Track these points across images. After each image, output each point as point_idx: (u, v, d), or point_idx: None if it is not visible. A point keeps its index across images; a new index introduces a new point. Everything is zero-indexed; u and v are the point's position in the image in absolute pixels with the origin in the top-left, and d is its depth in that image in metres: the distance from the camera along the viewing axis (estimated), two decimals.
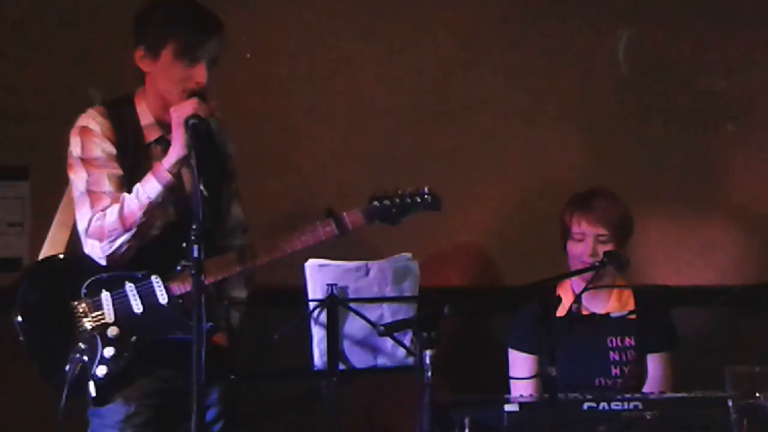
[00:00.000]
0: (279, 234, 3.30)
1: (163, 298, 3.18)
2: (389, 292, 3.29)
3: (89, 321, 3.18)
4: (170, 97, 3.18)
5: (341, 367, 3.26)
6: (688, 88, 4.20)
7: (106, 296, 3.19)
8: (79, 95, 4.05)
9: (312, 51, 4.22)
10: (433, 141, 4.21)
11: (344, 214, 3.25)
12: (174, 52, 3.16)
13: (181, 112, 3.10)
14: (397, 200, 3.29)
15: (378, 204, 3.29)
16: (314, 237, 3.23)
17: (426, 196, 3.32)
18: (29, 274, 3.29)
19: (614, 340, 3.62)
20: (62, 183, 3.31)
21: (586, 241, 3.61)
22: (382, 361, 3.32)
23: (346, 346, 3.29)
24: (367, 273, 3.28)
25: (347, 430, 3.40)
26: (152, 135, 3.25)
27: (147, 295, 3.19)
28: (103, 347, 3.16)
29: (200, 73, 3.16)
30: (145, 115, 3.26)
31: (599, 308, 3.64)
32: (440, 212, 3.37)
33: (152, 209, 3.14)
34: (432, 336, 3.05)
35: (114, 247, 3.16)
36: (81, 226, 3.20)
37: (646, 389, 3.57)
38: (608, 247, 3.56)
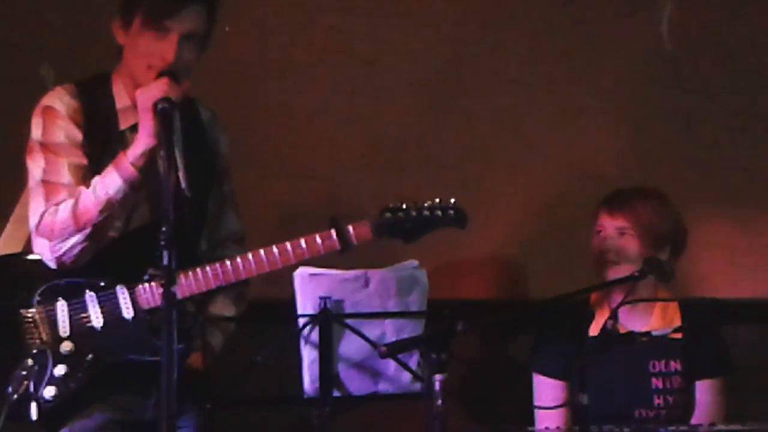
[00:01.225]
0: (273, 246, 3.30)
1: (128, 311, 3.19)
2: (393, 306, 3.29)
3: (40, 333, 3.19)
4: (137, 73, 3.19)
5: (336, 393, 3.26)
6: (743, 73, 4.24)
7: (62, 306, 3.20)
8: (30, 73, 4.11)
9: (313, 34, 4.28)
10: (447, 137, 4.25)
11: (349, 226, 3.25)
12: (142, 21, 3.17)
13: (149, 95, 3.10)
14: (414, 213, 3.29)
15: (391, 216, 3.28)
16: (311, 250, 3.23)
17: (449, 211, 3.30)
18: None
19: (657, 363, 3.64)
20: (13, 172, 3.34)
21: (604, 236, 3.63)
22: (383, 386, 3.31)
23: (342, 369, 3.28)
24: (366, 284, 3.28)
25: None
26: (128, 120, 3.25)
27: (110, 308, 3.19)
28: (53, 365, 3.17)
29: (168, 49, 3.16)
30: (122, 97, 3.27)
31: (639, 326, 3.63)
32: None
33: (111, 207, 3.14)
34: (443, 358, 3.01)
35: (64, 248, 3.16)
36: (32, 221, 3.20)
37: (694, 421, 3.57)
38: (631, 244, 3.59)
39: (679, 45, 4.25)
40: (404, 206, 3.29)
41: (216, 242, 3.41)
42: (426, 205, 3.30)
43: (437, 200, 3.31)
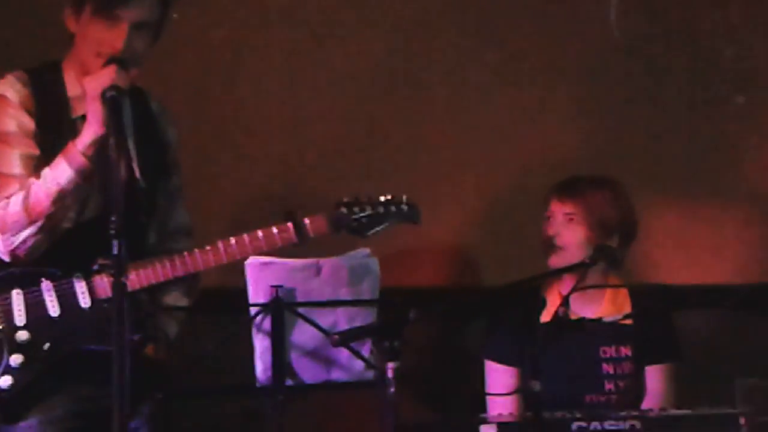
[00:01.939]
0: (226, 238, 3.28)
1: (85, 301, 3.16)
2: (345, 294, 3.30)
3: None
4: (87, 61, 3.17)
5: (289, 382, 3.26)
6: (691, 57, 4.26)
7: (17, 294, 3.17)
8: None
9: (265, 18, 4.25)
10: (401, 127, 4.24)
11: (306, 219, 3.25)
12: (92, 9, 3.15)
13: (97, 82, 3.08)
14: (369, 209, 3.29)
15: (346, 211, 3.29)
16: (269, 243, 3.22)
17: (402, 206, 3.31)
18: None
19: (608, 349, 3.65)
20: None
21: (553, 222, 3.65)
22: (336, 375, 3.32)
23: (295, 358, 3.29)
24: (318, 272, 3.28)
25: None
26: (80, 109, 3.20)
27: (66, 297, 3.17)
28: (9, 354, 3.15)
29: (117, 37, 3.13)
30: (74, 85, 3.24)
31: (590, 312, 3.65)
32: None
33: (63, 198, 3.11)
34: (395, 345, 3.03)
35: (17, 242, 3.14)
36: None
37: (644, 406, 3.60)
38: (579, 230, 3.62)
39: (628, 34, 4.23)
40: (359, 201, 3.30)
41: (166, 234, 3.38)
42: (380, 200, 3.30)
43: (391, 196, 3.31)
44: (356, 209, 3.28)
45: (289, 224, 3.22)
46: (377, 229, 3.30)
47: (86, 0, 3.16)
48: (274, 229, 3.22)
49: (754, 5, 4.22)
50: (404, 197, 3.31)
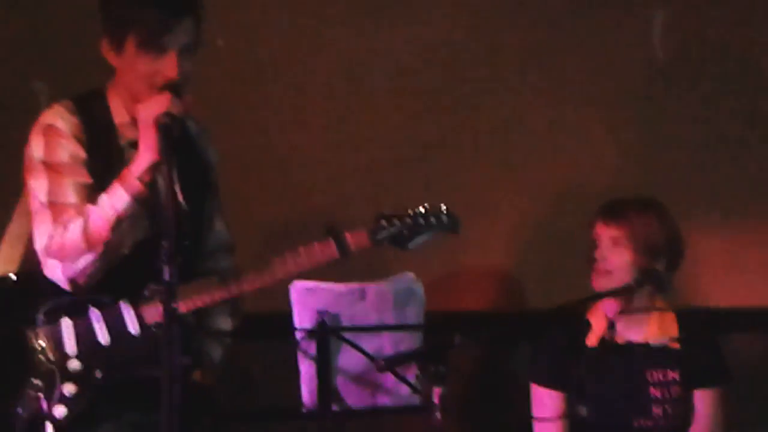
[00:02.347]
0: (269, 256, 3.28)
1: (134, 327, 3.16)
2: (390, 318, 3.30)
3: (47, 353, 3.17)
4: (140, 94, 3.14)
5: (335, 407, 3.26)
6: (738, 79, 4.23)
7: (66, 324, 3.17)
8: (20, 88, 4.12)
9: (302, 42, 4.27)
10: (442, 146, 4.26)
11: (347, 234, 3.23)
12: (137, 43, 3.13)
13: (150, 109, 3.08)
14: (409, 220, 3.27)
15: (387, 224, 3.26)
16: (311, 260, 3.21)
17: (442, 217, 3.29)
18: None
19: (655, 373, 3.62)
20: (9, 188, 3.33)
21: (600, 246, 3.63)
22: (382, 400, 3.32)
23: (341, 382, 3.29)
24: (363, 297, 3.29)
25: None
26: (128, 135, 3.21)
27: (115, 324, 3.17)
28: (62, 383, 3.15)
29: (170, 66, 3.12)
30: (120, 112, 3.24)
31: (636, 336, 3.64)
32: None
33: (121, 224, 3.11)
34: (441, 370, 3.07)
35: (78, 269, 3.12)
36: (40, 244, 3.17)
37: (693, 430, 3.59)
38: (625, 253, 3.59)
39: (672, 54, 4.24)
40: (398, 214, 3.27)
41: (207, 253, 3.37)
42: (420, 212, 3.28)
43: (429, 207, 3.28)
44: (396, 221, 3.27)
45: (331, 240, 3.21)
46: (419, 240, 3.28)
47: (127, 34, 3.13)
48: (316, 246, 3.21)
49: None
50: (443, 207, 3.29)
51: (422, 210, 3.29)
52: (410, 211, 3.28)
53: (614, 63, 4.25)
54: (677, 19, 4.22)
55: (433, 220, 3.29)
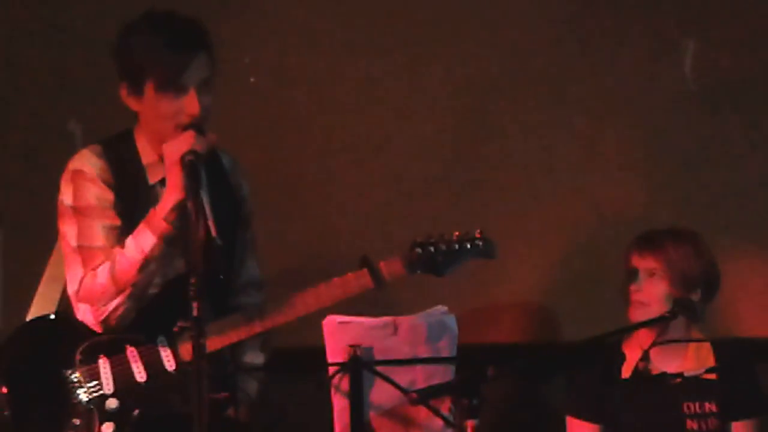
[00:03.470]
0: (298, 288, 3.28)
1: (170, 364, 3.19)
2: (423, 352, 3.28)
3: (85, 392, 3.18)
4: (165, 134, 3.16)
5: None
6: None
7: (103, 363, 3.19)
8: (58, 129, 4.17)
9: (332, 76, 4.29)
10: (472, 179, 4.26)
11: (381, 263, 3.25)
12: (156, 86, 3.14)
13: (175, 148, 3.09)
14: (444, 247, 3.28)
15: (421, 251, 3.27)
16: (345, 290, 3.23)
17: (477, 242, 3.29)
18: (15, 337, 3.28)
19: (692, 405, 3.61)
20: (40, 229, 3.37)
21: (636, 278, 3.62)
22: None
23: (374, 417, 3.28)
24: (395, 330, 3.27)
25: None
26: (156, 175, 3.25)
27: (151, 361, 3.19)
28: (101, 423, 3.17)
29: (192, 103, 3.15)
30: (147, 152, 3.27)
31: (672, 367, 3.62)
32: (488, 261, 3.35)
33: (149, 265, 3.13)
34: (475, 403, 3.02)
35: (108, 311, 3.17)
36: (71, 288, 3.21)
37: None
38: (662, 287, 3.58)
39: (702, 85, 4.22)
40: (433, 240, 3.27)
41: (237, 288, 3.39)
42: (454, 238, 3.28)
43: (464, 232, 3.29)
44: (431, 248, 3.26)
45: (365, 270, 3.23)
46: (454, 267, 3.29)
47: (145, 79, 3.15)
48: (350, 276, 3.23)
49: None
50: (478, 232, 3.29)
51: (456, 236, 3.29)
52: (445, 237, 3.29)
53: (647, 92, 4.24)
54: (708, 49, 4.21)
55: (468, 245, 3.29)
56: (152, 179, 3.25)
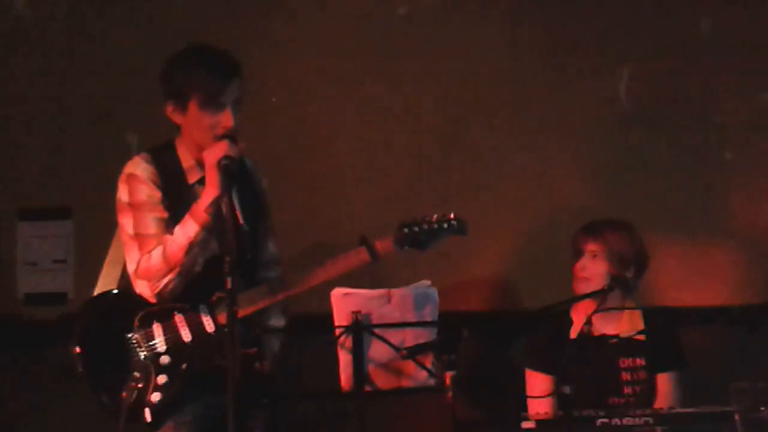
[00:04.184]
0: (311, 263, 3.26)
1: (210, 327, 3.17)
2: (411, 317, 3.27)
3: (143, 351, 3.18)
4: (204, 143, 3.17)
5: (367, 389, 3.25)
6: (689, 122, 4.17)
7: (156, 327, 3.18)
8: (118, 139, 4.12)
9: (337, 99, 4.24)
10: (450, 179, 4.20)
11: (376, 241, 3.23)
12: (199, 104, 3.15)
13: (213, 154, 3.10)
14: (425, 226, 3.25)
15: (407, 230, 3.24)
16: (348, 264, 3.21)
17: (453, 222, 3.27)
18: (85, 308, 3.27)
19: (625, 360, 3.61)
20: (103, 221, 3.34)
21: (582, 259, 3.62)
22: (405, 382, 3.30)
23: (372, 369, 3.27)
24: (389, 300, 3.27)
25: None
26: (194, 176, 3.24)
27: (195, 325, 3.18)
28: (156, 375, 3.16)
29: (227, 118, 3.15)
30: (186, 158, 3.25)
31: (610, 330, 3.62)
32: (457, 241, 3.32)
33: (192, 248, 3.13)
34: (452, 358, 3.09)
35: (161, 286, 3.16)
36: (130, 268, 3.21)
37: (656, 406, 3.54)
38: (603, 266, 3.58)
39: (634, 103, 4.19)
40: (416, 221, 3.25)
41: (261, 265, 3.35)
42: (433, 218, 3.25)
43: (440, 214, 3.26)
44: (416, 228, 3.24)
45: (363, 247, 3.21)
46: (434, 242, 3.26)
47: (189, 99, 3.14)
48: (352, 252, 3.22)
49: (733, 75, 4.19)
50: (452, 214, 3.26)
51: (435, 217, 3.26)
52: (426, 218, 3.26)
53: (591, 111, 4.20)
54: (639, 77, 4.17)
55: (445, 225, 3.26)
56: (190, 180, 3.24)
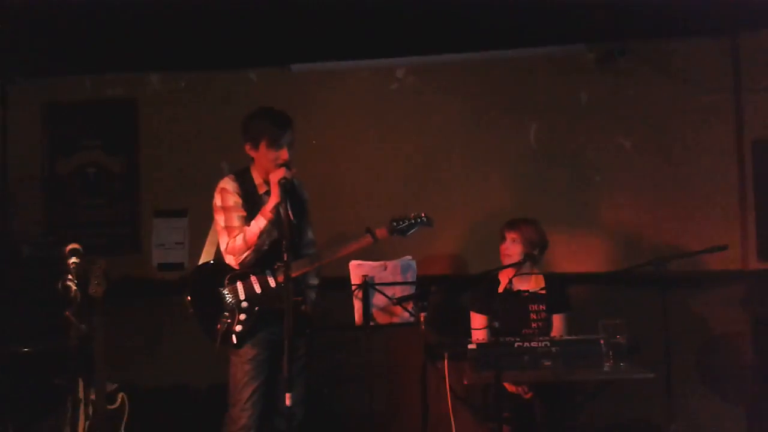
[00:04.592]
0: (335, 245, 3.23)
1: (273, 283, 3.14)
2: (399, 279, 3.32)
3: (230, 298, 3.14)
4: (269, 169, 3.15)
5: (371, 323, 3.27)
6: (570, 157, 4.11)
7: (239, 284, 3.15)
8: (216, 166, 4.09)
9: (351, 142, 4.18)
10: (428, 189, 4.17)
11: (376, 230, 3.20)
12: (267, 143, 3.13)
13: (275, 176, 3.10)
14: (406, 221, 3.24)
15: (396, 224, 3.23)
16: (359, 245, 3.17)
17: (423, 218, 3.26)
18: (194, 272, 3.22)
19: (533, 306, 3.59)
20: (207, 219, 3.32)
21: (506, 243, 3.59)
22: (395, 320, 3.33)
23: (374, 311, 3.29)
24: (385, 268, 3.31)
25: (376, 363, 3.34)
26: (262, 189, 3.20)
27: (263, 282, 3.14)
28: (238, 314, 3.13)
29: (284, 154, 3.14)
30: (257, 178, 3.21)
31: (523, 287, 3.61)
32: (428, 231, 3.32)
33: (262, 234, 3.12)
34: (424, 304, 3.18)
35: (242, 259, 3.15)
36: (222, 247, 3.19)
37: (552, 335, 3.53)
38: (519, 248, 3.54)
39: (539, 146, 4.14)
40: (401, 217, 3.23)
41: (303, 245, 3.30)
42: (411, 215, 3.23)
43: (415, 213, 3.26)
44: (400, 222, 3.22)
45: (368, 234, 3.19)
46: (412, 231, 3.22)
47: (260, 141, 3.11)
48: (361, 238, 3.18)
49: (600, 126, 4.08)
50: (423, 213, 3.24)
51: (413, 215, 3.26)
52: (407, 216, 3.25)
53: (511, 150, 4.14)
54: (543, 128, 4.12)
55: (419, 219, 3.25)
56: (260, 192, 3.21)
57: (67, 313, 2.82)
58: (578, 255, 4.07)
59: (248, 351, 3.14)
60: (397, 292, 3.29)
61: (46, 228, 4.27)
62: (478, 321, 3.63)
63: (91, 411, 3.20)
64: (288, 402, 2.73)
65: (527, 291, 3.58)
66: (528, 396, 3.40)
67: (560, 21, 3.69)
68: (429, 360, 3.18)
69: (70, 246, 2.93)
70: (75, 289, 2.84)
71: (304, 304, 3.23)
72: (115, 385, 3.24)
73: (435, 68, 4.17)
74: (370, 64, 4.17)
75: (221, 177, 3.27)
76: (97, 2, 3.39)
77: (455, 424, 3.32)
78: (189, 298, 3.14)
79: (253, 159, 3.22)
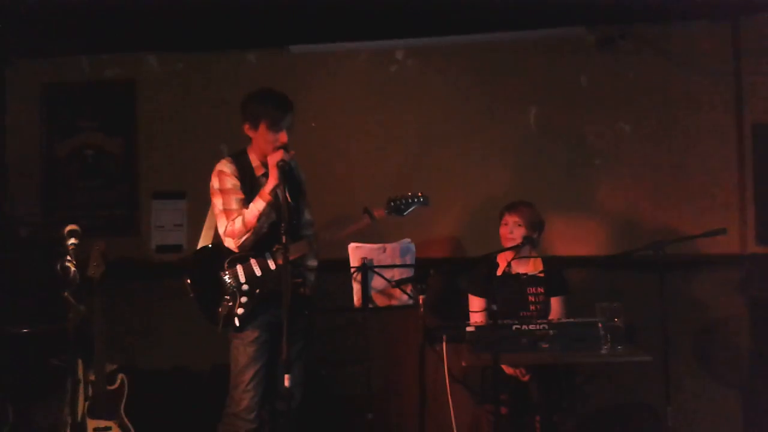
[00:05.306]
0: (333, 226, 3.26)
1: (272, 266, 3.15)
2: (398, 261, 3.32)
3: (230, 281, 3.15)
4: (267, 150, 3.14)
5: (370, 305, 3.26)
6: (573, 142, 4.08)
7: (239, 267, 3.16)
8: (215, 148, 4.05)
9: (350, 123, 4.16)
10: (426, 172, 4.14)
11: (374, 210, 3.22)
12: (266, 126, 3.12)
13: (274, 158, 3.09)
14: (403, 200, 3.25)
15: (393, 203, 3.24)
16: (357, 226, 3.19)
17: (420, 197, 3.27)
18: (194, 255, 3.23)
19: (532, 289, 3.60)
20: (205, 201, 3.32)
21: (507, 226, 3.60)
22: (394, 302, 3.33)
23: (373, 293, 3.30)
24: (384, 251, 3.31)
25: (375, 345, 3.40)
26: (260, 172, 3.20)
27: (263, 265, 3.14)
28: (239, 297, 3.14)
29: (283, 137, 3.14)
30: (255, 160, 3.21)
31: (522, 269, 3.61)
32: (428, 214, 3.35)
33: (261, 217, 3.12)
34: (423, 287, 3.17)
35: (241, 242, 3.14)
36: (221, 230, 3.18)
37: (550, 317, 3.54)
38: (522, 231, 3.54)
39: (539, 130, 4.10)
40: (398, 196, 3.25)
41: (301, 227, 3.30)
42: (408, 194, 3.25)
43: (412, 192, 3.26)
44: (397, 201, 3.23)
45: (366, 215, 3.21)
46: (409, 210, 3.23)
47: (260, 122, 3.10)
48: (359, 218, 3.20)
49: (600, 111, 4.05)
50: (419, 192, 3.25)
51: (409, 194, 3.26)
52: (403, 195, 3.26)
53: (512, 134, 4.10)
54: (542, 112, 4.09)
55: (415, 199, 3.26)
56: (258, 174, 3.20)
57: (65, 294, 2.80)
58: (577, 238, 4.07)
59: (250, 333, 3.15)
60: (396, 274, 3.29)
61: (44, 209, 4.27)
62: (476, 304, 3.64)
63: (90, 392, 3.22)
64: (287, 383, 2.75)
65: (525, 274, 3.56)
66: (525, 378, 3.42)
67: (561, 3, 3.68)
68: (427, 342, 3.16)
69: (69, 227, 2.90)
70: (74, 270, 2.80)
71: (303, 286, 3.24)
72: (115, 366, 3.25)
73: (435, 50, 4.13)
74: (370, 45, 4.13)
75: (220, 159, 3.25)
76: None
77: (453, 406, 3.33)
78: (188, 280, 3.15)
79: (251, 139, 3.21)
